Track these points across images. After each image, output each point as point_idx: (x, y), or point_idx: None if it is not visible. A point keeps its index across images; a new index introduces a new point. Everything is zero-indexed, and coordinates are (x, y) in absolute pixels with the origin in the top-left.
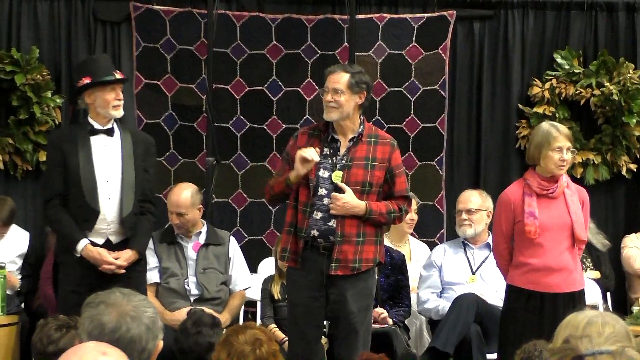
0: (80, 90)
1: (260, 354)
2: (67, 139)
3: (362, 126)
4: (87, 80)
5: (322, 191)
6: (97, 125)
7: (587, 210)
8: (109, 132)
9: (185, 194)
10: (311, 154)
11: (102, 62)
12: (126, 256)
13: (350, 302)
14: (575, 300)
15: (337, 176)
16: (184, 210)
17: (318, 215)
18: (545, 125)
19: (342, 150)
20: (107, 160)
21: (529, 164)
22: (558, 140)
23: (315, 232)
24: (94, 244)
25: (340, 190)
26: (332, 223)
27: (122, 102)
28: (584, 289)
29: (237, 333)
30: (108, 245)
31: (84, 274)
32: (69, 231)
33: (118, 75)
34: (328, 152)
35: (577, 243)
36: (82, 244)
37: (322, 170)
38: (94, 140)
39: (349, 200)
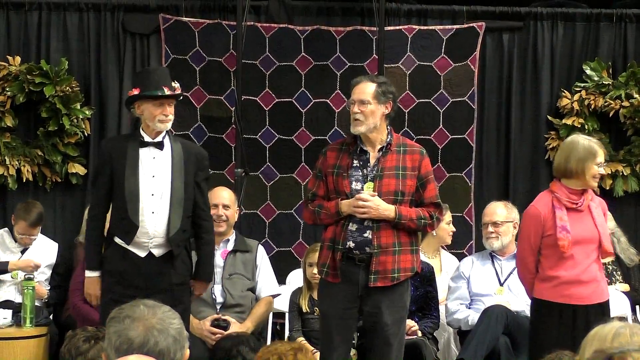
0: (129, 101)
1: (302, 357)
2: (117, 149)
3: (389, 136)
4: (135, 92)
5: None
6: (147, 138)
7: (606, 221)
8: (159, 145)
9: (228, 191)
10: (367, 196)
11: (154, 76)
12: (200, 290)
13: (385, 314)
14: (604, 310)
15: (368, 187)
16: (228, 203)
17: (353, 226)
18: (583, 139)
19: (372, 161)
20: (154, 173)
21: (557, 177)
22: (600, 155)
23: (351, 244)
24: (136, 256)
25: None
26: (368, 234)
27: (170, 117)
28: (609, 300)
29: (276, 343)
30: (150, 258)
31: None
32: (89, 256)
33: (167, 91)
34: (358, 164)
35: (604, 255)
36: (90, 274)
37: (354, 182)
38: (143, 152)
39: (380, 203)
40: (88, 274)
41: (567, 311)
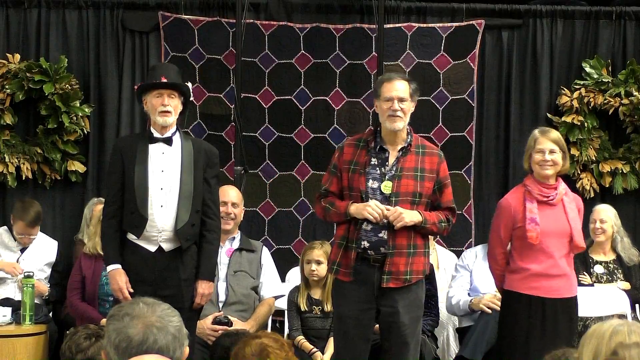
0: (139, 97)
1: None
2: (128, 146)
3: (409, 136)
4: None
5: None
6: (156, 134)
7: (581, 218)
8: (168, 141)
9: (235, 189)
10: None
11: (158, 69)
12: (204, 299)
13: (402, 314)
14: (572, 306)
15: (386, 187)
16: (237, 201)
17: (368, 226)
18: (535, 130)
19: (391, 160)
20: (163, 168)
21: (525, 170)
22: (540, 142)
23: (365, 244)
24: (146, 251)
25: (389, 201)
26: (383, 234)
27: (169, 109)
28: (576, 296)
29: (245, 346)
30: (160, 252)
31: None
32: (107, 251)
33: (163, 80)
34: (376, 162)
35: (574, 250)
36: (111, 267)
37: (371, 180)
38: (152, 148)
39: (409, 212)
40: (110, 268)
41: (536, 303)
